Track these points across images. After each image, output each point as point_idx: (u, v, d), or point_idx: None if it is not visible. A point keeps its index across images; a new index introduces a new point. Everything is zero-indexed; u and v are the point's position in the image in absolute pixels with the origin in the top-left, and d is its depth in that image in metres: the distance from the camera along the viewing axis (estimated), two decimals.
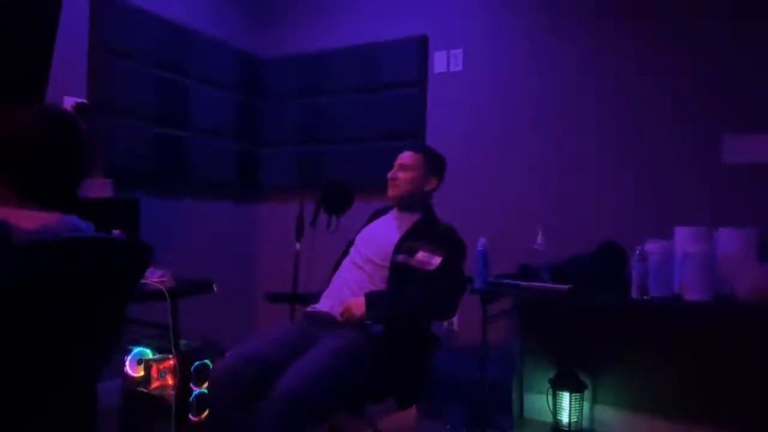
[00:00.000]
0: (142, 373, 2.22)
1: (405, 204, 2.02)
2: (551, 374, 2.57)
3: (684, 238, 2.14)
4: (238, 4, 3.47)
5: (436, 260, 1.86)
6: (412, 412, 2.77)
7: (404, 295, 1.81)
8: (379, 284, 1.88)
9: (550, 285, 2.25)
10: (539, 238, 2.41)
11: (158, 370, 2.16)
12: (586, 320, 2.62)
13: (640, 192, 2.58)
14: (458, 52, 3.04)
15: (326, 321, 1.83)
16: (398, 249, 1.90)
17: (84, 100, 2.47)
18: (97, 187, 2.16)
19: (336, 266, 2.04)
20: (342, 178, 2.53)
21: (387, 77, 3.18)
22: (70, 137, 1.17)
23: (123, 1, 2.72)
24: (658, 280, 2.09)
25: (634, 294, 2.09)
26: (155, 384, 2.15)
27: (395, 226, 2.00)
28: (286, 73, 3.54)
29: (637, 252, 2.10)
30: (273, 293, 2.06)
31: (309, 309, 1.92)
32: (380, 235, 1.99)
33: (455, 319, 2.93)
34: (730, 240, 2.16)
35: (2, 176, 1.11)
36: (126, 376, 2.25)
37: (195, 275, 2.20)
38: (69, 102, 2.45)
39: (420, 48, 3.10)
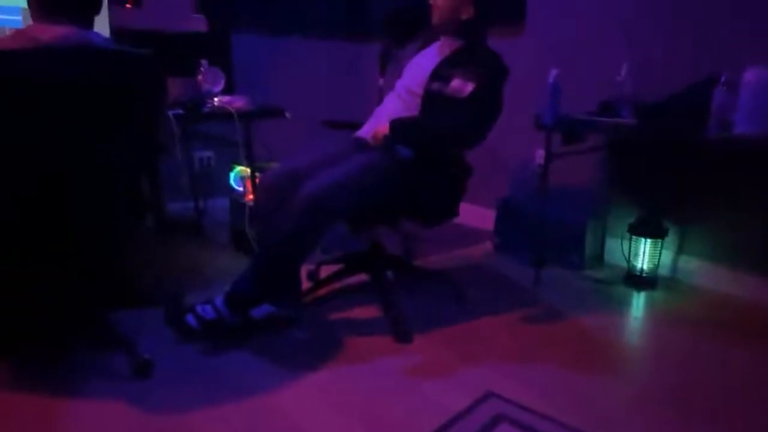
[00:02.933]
0: (242, 188, 2.64)
1: (445, 31, 1.96)
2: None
3: None
4: None
5: (469, 87, 1.82)
6: (487, 245, 2.88)
7: (428, 122, 1.84)
8: (415, 112, 1.92)
9: (618, 120, 2.06)
10: (623, 71, 2.16)
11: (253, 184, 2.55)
12: (676, 165, 2.37)
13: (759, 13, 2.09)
14: None
15: (362, 145, 1.96)
16: (434, 76, 1.89)
17: None
18: (190, 22, 2.41)
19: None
20: None
21: None
22: None
23: None
24: (749, 114, 1.79)
25: (712, 129, 1.84)
26: (251, 196, 2.55)
27: (435, 54, 1.97)
28: None
29: (723, 80, 1.80)
30: (330, 120, 2.22)
31: (354, 135, 2.07)
32: (421, 64, 1.97)
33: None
34: None
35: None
36: (231, 191, 2.71)
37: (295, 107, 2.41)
38: None
39: None
